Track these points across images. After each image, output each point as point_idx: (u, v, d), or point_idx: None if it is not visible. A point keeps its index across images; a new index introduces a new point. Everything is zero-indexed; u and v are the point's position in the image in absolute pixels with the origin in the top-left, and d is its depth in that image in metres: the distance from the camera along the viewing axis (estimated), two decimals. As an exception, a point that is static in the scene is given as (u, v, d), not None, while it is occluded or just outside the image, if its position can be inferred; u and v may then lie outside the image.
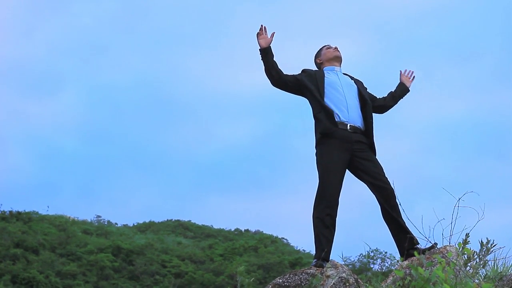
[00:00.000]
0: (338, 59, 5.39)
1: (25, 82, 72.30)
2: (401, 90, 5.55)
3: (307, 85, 5.20)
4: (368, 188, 5.01)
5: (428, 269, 3.40)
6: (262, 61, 5.22)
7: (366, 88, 5.40)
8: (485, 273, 4.14)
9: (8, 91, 71.87)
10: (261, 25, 5.23)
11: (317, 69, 5.43)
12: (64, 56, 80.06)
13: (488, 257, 4.30)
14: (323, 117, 5.06)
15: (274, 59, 5.22)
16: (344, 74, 5.38)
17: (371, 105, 5.23)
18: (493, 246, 4.20)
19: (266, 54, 5.19)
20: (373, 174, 4.96)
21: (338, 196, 4.93)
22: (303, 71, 5.32)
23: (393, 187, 4.94)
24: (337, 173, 4.94)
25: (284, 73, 5.25)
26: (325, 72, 5.30)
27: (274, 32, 5.24)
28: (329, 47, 5.48)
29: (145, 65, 75.49)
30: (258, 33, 5.23)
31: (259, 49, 5.21)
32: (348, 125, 5.04)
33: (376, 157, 5.15)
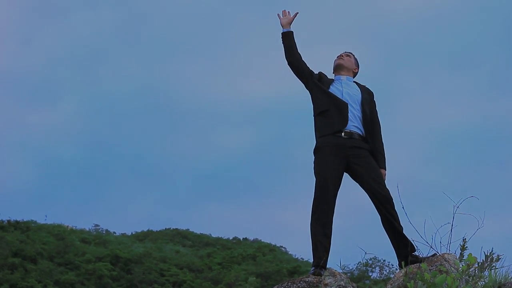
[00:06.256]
0: (340, 67, 5.35)
1: (23, 91, 72.29)
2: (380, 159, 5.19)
3: (314, 80, 5.22)
4: (367, 194, 5.00)
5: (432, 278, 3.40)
6: (282, 44, 5.29)
7: (375, 103, 5.33)
8: (483, 282, 4.13)
9: (7, 100, 71.86)
10: (284, 10, 5.34)
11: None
12: (63, 65, 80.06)
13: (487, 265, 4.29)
14: (322, 118, 5.07)
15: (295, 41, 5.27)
16: (354, 82, 5.34)
17: (369, 113, 5.21)
18: (498, 259, 4.17)
19: (286, 37, 5.26)
20: (369, 181, 4.94)
21: (334, 203, 4.92)
22: (319, 72, 5.33)
23: (391, 194, 4.93)
24: (332, 181, 4.92)
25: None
26: (334, 81, 5.30)
27: (298, 12, 5.33)
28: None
29: (144, 74, 75.49)
30: (278, 14, 5.34)
31: (281, 33, 5.29)
32: (343, 132, 5.04)
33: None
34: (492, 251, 4.12)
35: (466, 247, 4.20)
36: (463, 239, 4.27)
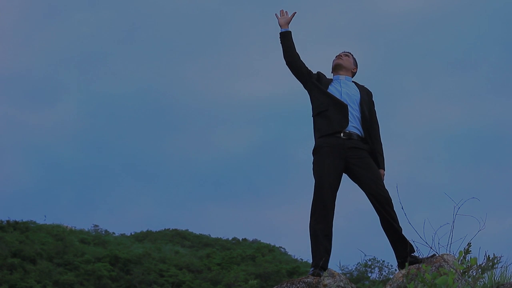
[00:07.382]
0: (339, 67, 5.35)
1: (23, 92, 72.38)
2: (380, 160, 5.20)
3: (313, 80, 5.22)
4: (366, 195, 5.00)
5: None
6: (281, 44, 5.29)
7: (374, 103, 5.32)
8: (483, 282, 4.13)
9: (6, 101, 71.93)
10: (281, 10, 5.35)
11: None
12: (62, 65, 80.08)
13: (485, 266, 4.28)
14: (321, 118, 5.07)
15: (293, 42, 5.28)
16: (353, 82, 5.33)
17: (368, 114, 5.20)
18: (498, 261, 4.17)
19: (284, 37, 5.26)
20: (368, 181, 4.94)
21: (333, 204, 4.91)
22: (318, 72, 5.33)
23: (390, 194, 4.93)
24: (331, 182, 4.92)
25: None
26: (333, 80, 5.29)
27: (295, 12, 5.34)
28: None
29: (143, 75, 75.55)
30: (276, 14, 5.34)
31: (279, 33, 5.30)
32: (342, 132, 5.03)
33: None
34: (491, 254, 4.12)
35: (470, 250, 4.18)
36: (468, 243, 4.25)
